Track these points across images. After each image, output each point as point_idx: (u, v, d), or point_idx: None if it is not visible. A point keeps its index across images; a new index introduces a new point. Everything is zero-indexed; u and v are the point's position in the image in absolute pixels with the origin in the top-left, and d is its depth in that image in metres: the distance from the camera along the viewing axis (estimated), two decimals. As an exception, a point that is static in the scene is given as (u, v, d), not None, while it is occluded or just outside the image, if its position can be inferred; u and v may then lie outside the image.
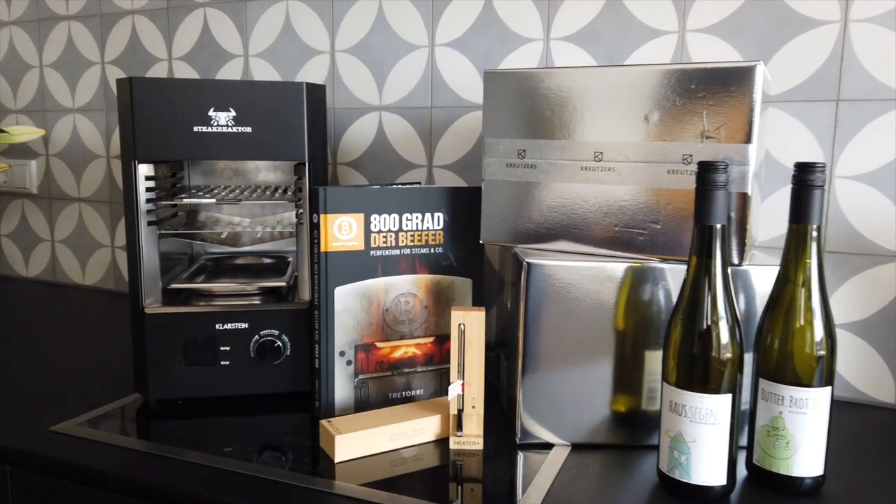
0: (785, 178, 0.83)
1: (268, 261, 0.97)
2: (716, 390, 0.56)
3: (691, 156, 0.63)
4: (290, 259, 0.96)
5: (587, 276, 0.66)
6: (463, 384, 0.66)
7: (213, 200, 0.69)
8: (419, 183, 0.87)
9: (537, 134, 0.69)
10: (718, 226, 0.56)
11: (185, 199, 0.77)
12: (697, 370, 0.57)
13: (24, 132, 1.23)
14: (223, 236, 0.79)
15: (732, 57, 0.84)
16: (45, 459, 0.65)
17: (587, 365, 0.67)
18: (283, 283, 0.80)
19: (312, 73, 1.10)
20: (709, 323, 0.56)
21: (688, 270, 0.58)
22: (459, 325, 0.65)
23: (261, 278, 0.88)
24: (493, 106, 0.71)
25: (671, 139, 0.63)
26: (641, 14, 0.87)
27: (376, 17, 1.04)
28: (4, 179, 1.43)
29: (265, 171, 0.99)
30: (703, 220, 0.56)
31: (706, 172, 0.56)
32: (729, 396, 0.57)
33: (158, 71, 1.23)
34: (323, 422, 0.67)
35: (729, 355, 0.56)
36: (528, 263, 0.66)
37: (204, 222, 0.95)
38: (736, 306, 0.58)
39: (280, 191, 0.91)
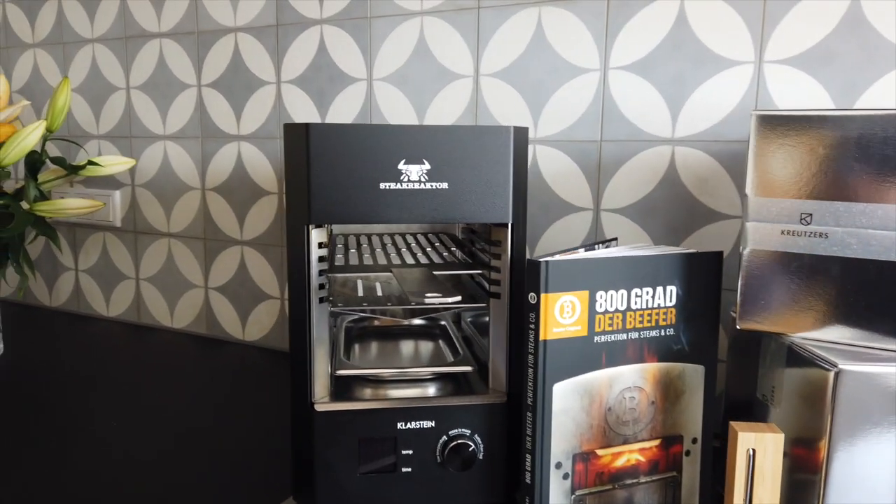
0: None
1: (418, 322, 0.83)
2: None
3: None
4: (443, 322, 0.82)
5: (912, 383, 0.50)
6: (750, 526, 0.51)
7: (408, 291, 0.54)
8: (615, 239, 0.72)
9: (833, 194, 0.53)
10: None
11: (362, 274, 0.62)
12: None
13: (114, 163, 1.11)
14: (396, 308, 0.65)
15: None
16: None
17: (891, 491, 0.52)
18: (468, 369, 0.65)
19: (451, 100, 0.95)
20: None
21: None
22: (748, 450, 0.50)
23: (413, 343, 0.74)
24: (766, 156, 0.56)
25: None
26: (891, 32, 0.71)
27: (533, 36, 0.89)
28: (86, 211, 1.31)
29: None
30: None
31: None
32: None
33: (264, 95, 1.09)
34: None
35: None
36: (840, 370, 0.50)
37: (343, 279, 0.81)
38: None
39: (439, 243, 0.77)
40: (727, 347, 0.68)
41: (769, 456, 0.50)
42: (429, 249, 0.76)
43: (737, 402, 0.67)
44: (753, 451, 0.50)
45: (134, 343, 1.18)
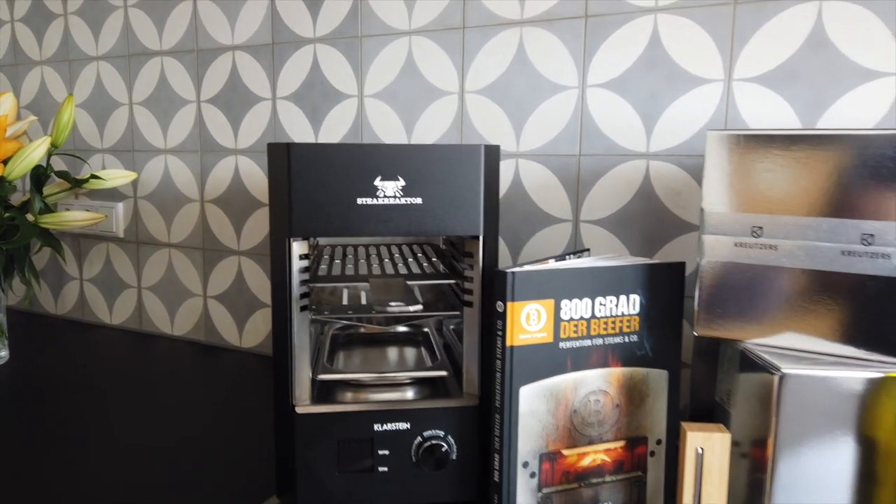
0: None
1: (402, 330, 0.86)
2: None
3: None
4: (426, 329, 0.85)
5: (853, 386, 0.53)
6: (700, 521, 0.54)
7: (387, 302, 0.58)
8: (587, 250, 0.75)
9: (781, 208, 0.57)
10: None
11: (343, 284, 0.66)
12: None
13: (117, 176, 1.15)
14: (374, 315, 0.68)
15: (975, 104, 0.70)
16: None
17: (846, 492, 0.54)
18: (443, 373, 0.69)
19: (438, 116, 0.99)
20: None
21: None
22: (697, 448, 0.53)
23: (397, 350, 0.77)
24: (719, 172, 0.59)
25: (976, 223, 0.51)
26: (853, 52, 0.75)
27: (515, 55, 0.93)
28: (90, 222, 1.35)
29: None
30: None
31: None
32: None
33: (260, 111, 1.13)
34: (525, 562, 0.55)
35: None
36: (783, 374, 0.53)
37: (332, 290, 0.84)
38: None
39: (421, 254, 0.81)
40: (692, 353, 0.71)
41: (717, 454, 0.53)
42: (410, 260, 0.79)
43: (701, 405, 0.70)
44: (702, 449, 0.53)
45: (135, 350, 1.22)
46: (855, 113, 0.75)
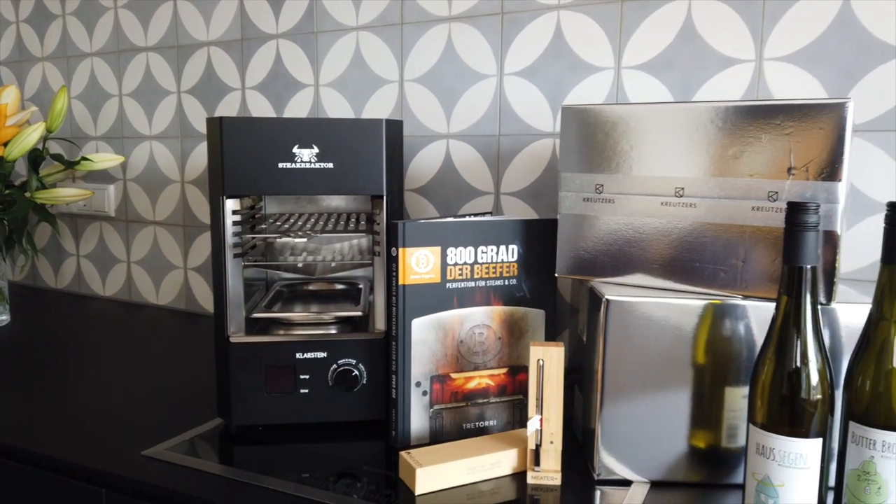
0: (868, 209, 0.81)
1: (339, 286, 0.99)
2: (805, 433, 0.55)
3: (777, 193, 0.62)
4: (360, 286, 0.98)
5: (667, 311, 0.65)
6: (541, 419, 0.66)
7: (304, 238, 0.71)
8: (490, 213, 0.88)
9: (616, 169, 0.69)
10: (809, 267, 0.55)
11: (268, 235, 0.79)
12: (786, 412, 0.56)
13: (105, 159, 1.29)
14: (299, 265, 0.81)
15: (813, 86, 0.82)
16: (139, 483, 0.68)
17: (666, 401, 0.67)
18: (359, 313, 0.82)
19: (381, 102, 1.12)
20: (798, 364, 0.56)
21: (777, 309, 0.57)
22: (538, 360, 0.66)
23: (335, 305, 0.90)
24: (570, 140, 0.72)
25: (756, 175, 0.63)
26: (716, 42, 0.87)
27: (445, 48, 1.06)
28: (84, 203, 1.50)
29: (337, 198, 1.01)
30: (793, 261, 0.55)
31: (796, 213, 0.55)
32: (819, 441, 0.55)
33: (232, 100, 1.27)
34: (403, 454, 0.68)
35: (819, 396, 0.55)
36: (607, 300, 0.66)
37: (280, 249, 0.98)
38: (825, 347, 0.56)
39: (354, 220, 0.94)
40: (570, 296, 0.83)
41: (553, 364, 0.65)
42: (341, 223, 0.92)
43: (576, 339, 0.82)
44: (542, 361, 0.65)
45: (124, 317, 1.36)
46: (718, 94, 0.87)
